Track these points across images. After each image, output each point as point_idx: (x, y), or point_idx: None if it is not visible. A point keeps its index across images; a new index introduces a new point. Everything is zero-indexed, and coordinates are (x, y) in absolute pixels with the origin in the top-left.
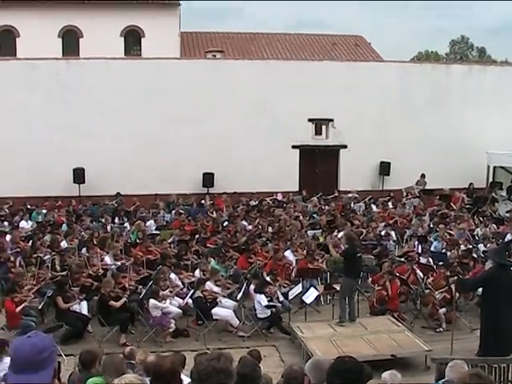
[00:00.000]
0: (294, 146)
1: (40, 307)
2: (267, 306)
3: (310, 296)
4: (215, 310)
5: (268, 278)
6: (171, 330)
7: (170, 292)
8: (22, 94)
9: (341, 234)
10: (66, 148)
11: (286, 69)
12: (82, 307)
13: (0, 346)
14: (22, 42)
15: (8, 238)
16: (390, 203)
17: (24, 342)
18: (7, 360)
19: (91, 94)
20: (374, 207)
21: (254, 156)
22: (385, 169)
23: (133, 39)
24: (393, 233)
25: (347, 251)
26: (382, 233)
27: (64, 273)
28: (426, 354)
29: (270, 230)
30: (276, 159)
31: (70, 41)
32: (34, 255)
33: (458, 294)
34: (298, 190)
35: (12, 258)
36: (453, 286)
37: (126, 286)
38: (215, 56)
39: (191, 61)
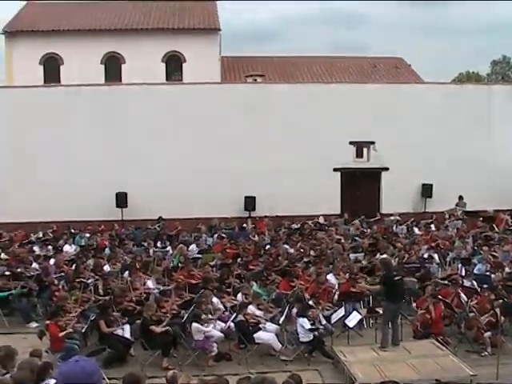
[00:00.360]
0: (335, 169)
1: (83, 330)
2: (310, 330)
3: (353, 320)
4: (257, 334)
5: (310, 302)
6: (213, 354)
7: (212, 316)
8: (66, 120)
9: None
10: (108, 172)
11: (326, 92)
12: (125, 331)
13: (44, 368)
14: (66, 69)
15: (52, 261)
16: (432, 225)
17: (73, 367)
18: (52, 382)
19: (133, 119)
20: (416, 230)
21: (296, 179)
22: (427, 191)
23: (174, 64)
24: (436, 255)
25: (384, 277)
26: (425, 255)
27: (107, 297)
28: (471, 379)
29: (311, 253)
30: (317, 182)
31: (113, 67)
32: (78, 279)
33: (503, 318)
34: (339, 212)
35: (56, 282)
36: (498, 310)
37: (169, 309)
38: (256, 80)
39: (232, 85)
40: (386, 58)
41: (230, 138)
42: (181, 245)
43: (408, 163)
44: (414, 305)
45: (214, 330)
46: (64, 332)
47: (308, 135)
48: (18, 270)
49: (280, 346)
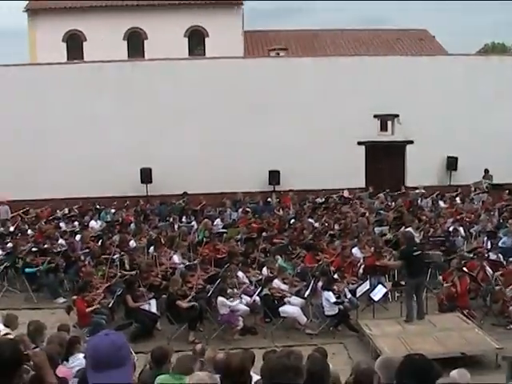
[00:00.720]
0: (359, 143)
1: (110, 305)
2: (335, 303)
3: (378, 293)
4: (283, 308)
5: (335, 275)
6: (239, 328)
7: (238, 290)
8: (90, 96)
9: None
10: (132, 148)
11: (350, 65)
12: (151, 305)
13: (73, 342)
14: (89, 46)
15: (78, 237)
16: (457, 199)
17: (103, 340)
18: (80, 356)
19: (156, 95)
20: (441, 203)
21: (320, 153)
22: (452, 164)
23: (196, 39)
24: (461, 229)
25: (403, 251)
26: (450, 229)
27: (133, 272)
28: (496, 352)
29: (336, 227)
30: (342, 156)
31: (135, 43)
32: (104, 255)
33: None
34: (364, 186)
35: (82, 258)
36: None
37: (194, 284)
38: (279, 54)
39: (255, 59)
40: (410, 30)
41: (253, 112)
42: (206, 219)
43: (433, 136)
44: (440, 278)
45: (240, 304)
46: (91, 308)
47: (332, 109)
48: (45, 246)
49: (305, 319)
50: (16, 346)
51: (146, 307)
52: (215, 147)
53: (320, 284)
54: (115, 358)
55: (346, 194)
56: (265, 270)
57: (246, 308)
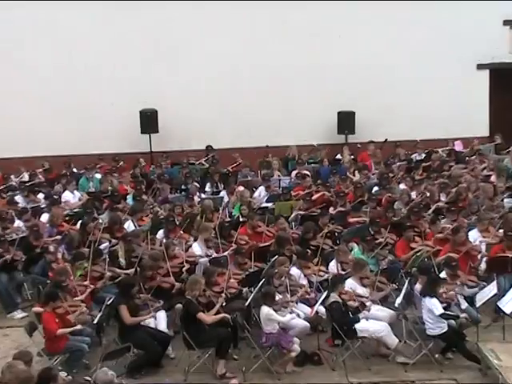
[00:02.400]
0: (480, 66)
1: (96, 321)
2: (442, 317)
3: (511, 302)
4: (361, 324)
5: (443, 274)
6: (294, 355)
7: (292, 296)
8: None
9: None
10: (129, 82)
11: None
12: (159, 320)
13: (44, 379)
14: None
15: (45, 218)
16: None
17: None
18: None
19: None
20: None
21: (417, 84)
22: None
23: None
24: None
25: None
26: None
27: (131, 270)
28: None
29: (443, 198)
30: (451, 87)
31: None
32: (85, 244)
33: None
34: (487, 134)
35: (52, 249)
36: None
37: (225, 287)
38: None
39: None
40: None
41: (314, 22)
42: (241, 188)
43: None
44: None
45: (295, 317)
46: (67, 329)
47: (440, 18)
48: None
49: (396, 341)
50: None
51: (151, 323)
52: (254, 78)
53: (418, 287)
54: None
55: (458, 146)
56: (333, 266)
57: (304, 324)
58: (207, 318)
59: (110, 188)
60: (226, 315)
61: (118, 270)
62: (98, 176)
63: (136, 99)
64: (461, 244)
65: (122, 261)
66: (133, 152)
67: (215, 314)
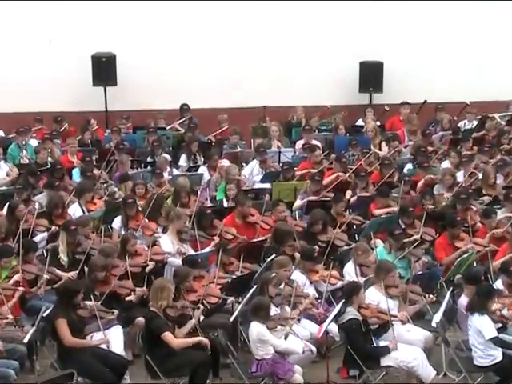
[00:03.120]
0: None
1: (27, 339)
2: (494, 341)
3: None
4: (391, 352)
5: (498, 283)
6: None
7: (294, 310)
8: None
9: None
10: (75, 11)
11: None
12: (113, 340)
13: None
14: None
15: None
16: None
17: None
18: None
19: None
20: None
21: (468, 26)
22: None
23: None
24: None
25: None
26: None
27: (73, 271)
28: None
29: (499, 181)
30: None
31: None
32: (14, 235)
33: None
34: None
35: None
36: None
37: (203, 295)
38: None
39: None
40: None
41: None
42: (226, 162)
43: None
44: None
45: (296, 338)
46: None
47: None
48: None
49: (433, 373)
50: None
51: (101, 343)
52: (245, 13)
53: (464, 300)
54: None
55: None
56: (349, 269)
57: (309, 348)
58: (175, 340)
59: (49, 159)
60: (204, 339)
61: (57, 271)
62: (34, 143)
63: (86, 38)
64: None
65: (64, 258)
66: (81, 111)
67: (189, 334)
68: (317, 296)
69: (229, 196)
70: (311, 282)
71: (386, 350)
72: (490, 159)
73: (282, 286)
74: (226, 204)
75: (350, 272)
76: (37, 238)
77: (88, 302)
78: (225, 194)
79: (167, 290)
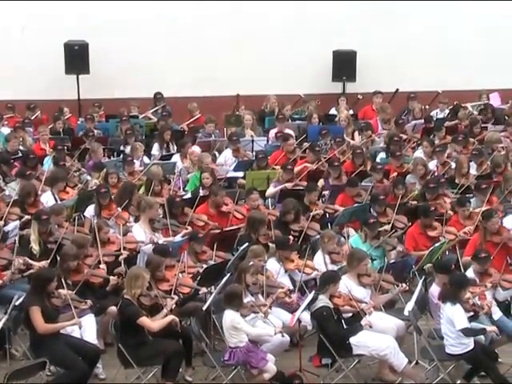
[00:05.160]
0: None
1: None
2: (464, 332)
3: None
4: (358, 337)
5: (470, 272)
6: (268, 377)
7: (267, 298)
8: None
9: None
10: (50, 5)
11: None
12: (86, 328)
13: None
14: None
15: None
16: None
17: None
18: None
19: None
20: None
21: (442, 16)
22: None
23: None
24: None
25: None
26: None
27: (45, 260)
28: None
29: (473, 171)
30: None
31: None
32: None
33: None
34: None
35: None
36: None
37: (175, 284)
38: None
39: None
40: None
41: None
42: (197, 149)
43: None
44: None
45: (270, 326)
46: None
47: None
48: None
49: (405, 361)
50: None
51: (75, 331)
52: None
53: (436, 289)
54: None
55: (494, 100)
56: (319, 258)
57: (282, 338)
58: (153, 324)
59: (20, 147)
60: (175, 317)
61: (29, 261)
62: (5, 131)
63: (59, 26)
64: (495, 233)
65: (36, 248)
66: (54, 99)
67: (163, 321)
68: (291, 287)
69: (205, 185)
70: (286, 271)
71: (358, 329)
72: (464, 148)
73: (257, 276)
74: (201, 193)
75: (319, 261)
76: (9, 227)
77: (61, 291)
78: (200, 183)
79: (142, 279)
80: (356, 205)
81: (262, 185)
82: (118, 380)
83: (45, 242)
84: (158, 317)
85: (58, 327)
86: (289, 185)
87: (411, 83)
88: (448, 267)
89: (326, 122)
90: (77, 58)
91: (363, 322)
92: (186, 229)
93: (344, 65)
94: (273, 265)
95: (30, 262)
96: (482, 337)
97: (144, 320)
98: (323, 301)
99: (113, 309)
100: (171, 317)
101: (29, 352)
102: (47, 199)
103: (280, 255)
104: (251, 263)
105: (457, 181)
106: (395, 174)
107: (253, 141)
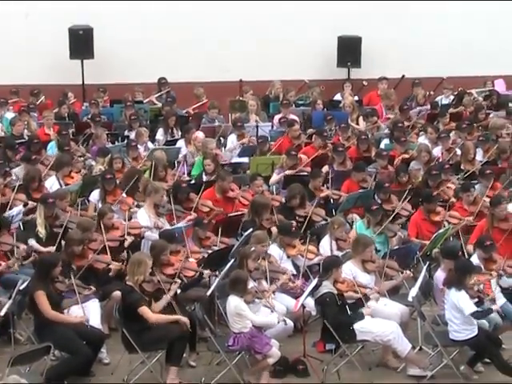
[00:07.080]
0: None
1: (3, 312)
2: (474, 316)
3: None
4: (362, 323)
5: (475, 258)
6: (271, 362)
7: (271, 284)
8: None
9: None
10: None
11: None
12: (90, 313)
13: None
14: None
15: None
16: None
17: None
18: None
19: None
20: None
21: (447, 3)
22: None
23: None
24: None
25: None
26: None
27: (51, 246)
28: None
29: (479, 157)
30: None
31: None
32: None
33: None
34: None
35: None
36: None
37: (179, 269)
38: None
39: None
40: None
41: None
42: (200, 134)
43: None
44: None
45: (273, 313)
46: None
47: None
48: None
49: (409, 347)
50: None
51: (80, 321)
52: None
53: (440, 275)
54: None
55: (499, 86)
56: (325, 244)
57: (286, 324)
58: (152, 315)
59: (25, 132)
60: (182, 318)
61: (35, 245)
62: (10, 115)
63: (63, 11)
64: (501, 220)
65: (42, 231)
66: (58, 84)
67: (166, 309)
68: (294, 272)
69: (207, 171)
70: (288, 257)
71: (360, 316)
72: (468, 135)
73: (260, 261)
74: (204, 178)
75: (325, 246)
76: (13, 211)
77: (66, 278)
78: (202, 169)
79: (144, 265)
80: (360, 191)
81: (267, 170)
82: (122, 365)
83: (51, 225)
84: (161, 303)
85: (65, 319)
86: (289, 172)
87: (417, 69)
88: (455, 253)
89: (331, 107)
90: (81, 43)
91: (365, 311)
92: (190, 214)
93: (349, 50)
94: (275, 250)
95: (36, 247)
96: (486, 323)
97: (144, 309)
98: (327, 287)
99: (117, 294)
100: (177, 316)
101: (33, 336)
102: (52, 184)
103: (281, 241)
104: (252, 249)
105: (462, 167)
106: (400, 158)
107: (257, 126)
